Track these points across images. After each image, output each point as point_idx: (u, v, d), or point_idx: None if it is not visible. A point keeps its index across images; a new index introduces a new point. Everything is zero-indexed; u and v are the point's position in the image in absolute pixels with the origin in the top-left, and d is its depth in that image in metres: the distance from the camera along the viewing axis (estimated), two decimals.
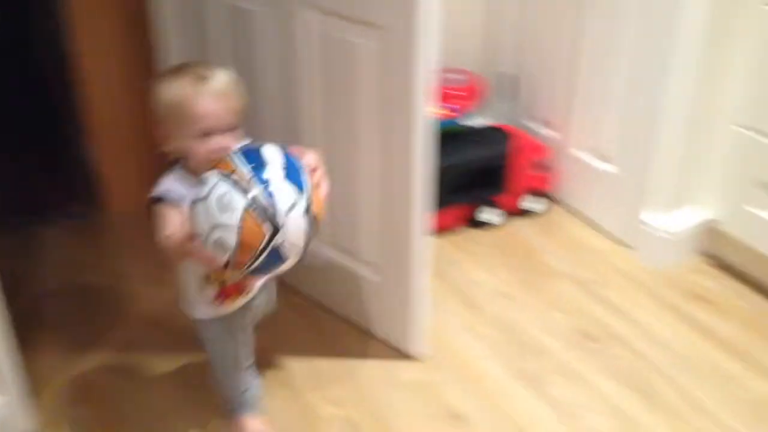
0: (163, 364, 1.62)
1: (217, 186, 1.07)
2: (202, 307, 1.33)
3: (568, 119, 2.13)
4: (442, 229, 2.04)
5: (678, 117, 1.81)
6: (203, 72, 1.19)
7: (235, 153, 1.12)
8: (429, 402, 1.54)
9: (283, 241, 1.08)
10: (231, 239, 1.06)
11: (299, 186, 1.09)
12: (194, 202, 1.10)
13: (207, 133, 1.18)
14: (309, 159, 1.19)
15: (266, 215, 1.06)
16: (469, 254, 2.01)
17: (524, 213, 2.16)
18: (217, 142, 1.18)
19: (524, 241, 2.07)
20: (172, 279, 1.83)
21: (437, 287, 1.81)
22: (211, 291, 1.29)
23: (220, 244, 1.07)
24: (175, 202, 1.18)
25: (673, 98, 1.79)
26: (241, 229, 1.06)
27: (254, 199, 1.06)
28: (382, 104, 1.43)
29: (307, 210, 1.10)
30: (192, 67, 1.22)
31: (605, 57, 1.95)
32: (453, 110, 2.06)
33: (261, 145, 1.13)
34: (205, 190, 1.08)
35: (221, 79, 1.20)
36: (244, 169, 1.08)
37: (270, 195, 1.06)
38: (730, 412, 1.52)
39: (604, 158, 2.05)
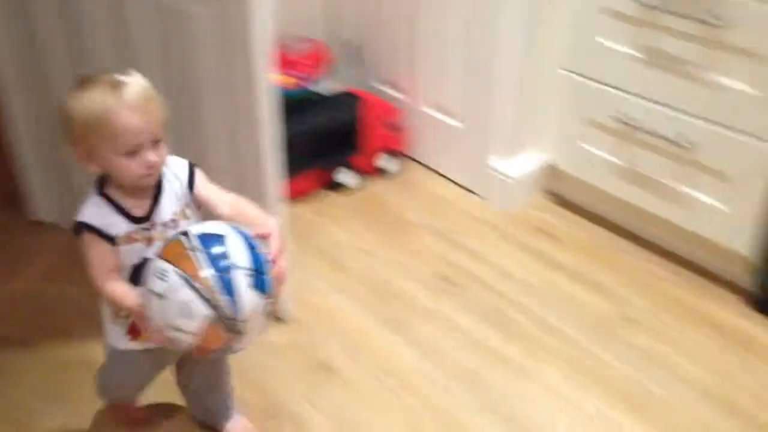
0: (20, 361, 1.58)
1: (177, 290, 0.99)
2: (114, 336, 1.23)
3: (412, 79, 2.22)
4: (300, 195, 2.07)
5: (511, 67, 1.93)
6: (118, 79, 1.07)
7: (196, 246, 1.01)
8: (302, 360, 1.58)
9: (242, 341, 1.04)
10: (187, 341, 1.02)
11: (264, 290, 1.02)
12: (148, 291, 1.02)
13: (135, 149, 1.07)
14: (272, 241, 1.11)
15: (230, 325, 1.00)
16: (330, 217, 2.06)
17: (380, 173, 2.23)
18: (146, 158, 1.08)
19: (382, 200, 2.14)
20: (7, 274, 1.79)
21: (301, 251, 1.85)
22: (123, 324, 1.21)
23: (174, 340, 1.03)
24: (103, 233, 1.10)
25: (504, 49, 1.91)
26: (200, 336, 1.01)
27: (218, 312, 0.99)
28: (223, 74, 1.43)
29: (270, 309, 1.05)
30: (103, 75, 1.09)
31: (441, 17, 2.04)
32: (300, 78, 2.09)
33: (222, 234, 1.04)
34: (163, 287, 1.00)
35: (139, 84, 1.09)
36: (208, 274, 0.99)
37: (235, 305, 1.00)
38: (576, 330, 1.66)
39: (450, 113, 2.15)
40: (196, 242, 1.02)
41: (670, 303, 1.74)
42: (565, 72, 1.90)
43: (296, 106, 2.05)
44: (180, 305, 0.99)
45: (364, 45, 2.35)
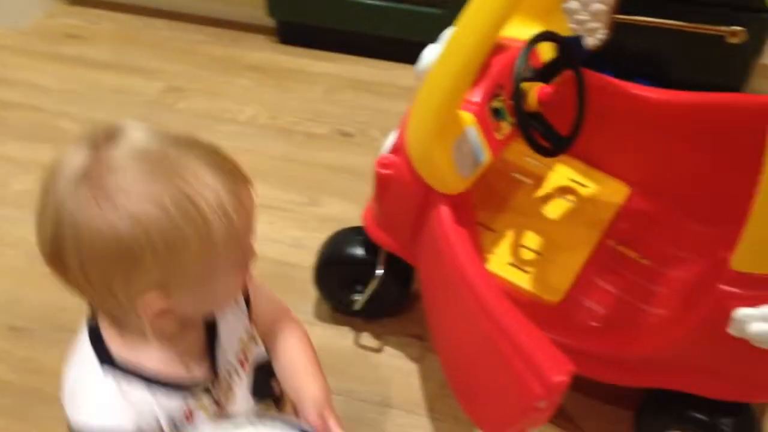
0: None
1: None
2: None
3: None
4: None
5: None
6: (176, 137, 0.58)
7: None
8: None
9: None
10: None
11: None
12: None
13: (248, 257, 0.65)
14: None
15: None
16: None
17: None
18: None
19: None
20: None
21: None
22: None
23: None
24: None
25: None
26: None
27: None
28: None
29: None
30: (111, 141, 0.56)
31: None
32: None
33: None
34: None
35: (192, 139, 0.60)
36: None
37: None
38: (125, 114, 1.65)
39: None
40: None
41: (210, 62, 1.81)
42: None
43: None
44: None
45: None
